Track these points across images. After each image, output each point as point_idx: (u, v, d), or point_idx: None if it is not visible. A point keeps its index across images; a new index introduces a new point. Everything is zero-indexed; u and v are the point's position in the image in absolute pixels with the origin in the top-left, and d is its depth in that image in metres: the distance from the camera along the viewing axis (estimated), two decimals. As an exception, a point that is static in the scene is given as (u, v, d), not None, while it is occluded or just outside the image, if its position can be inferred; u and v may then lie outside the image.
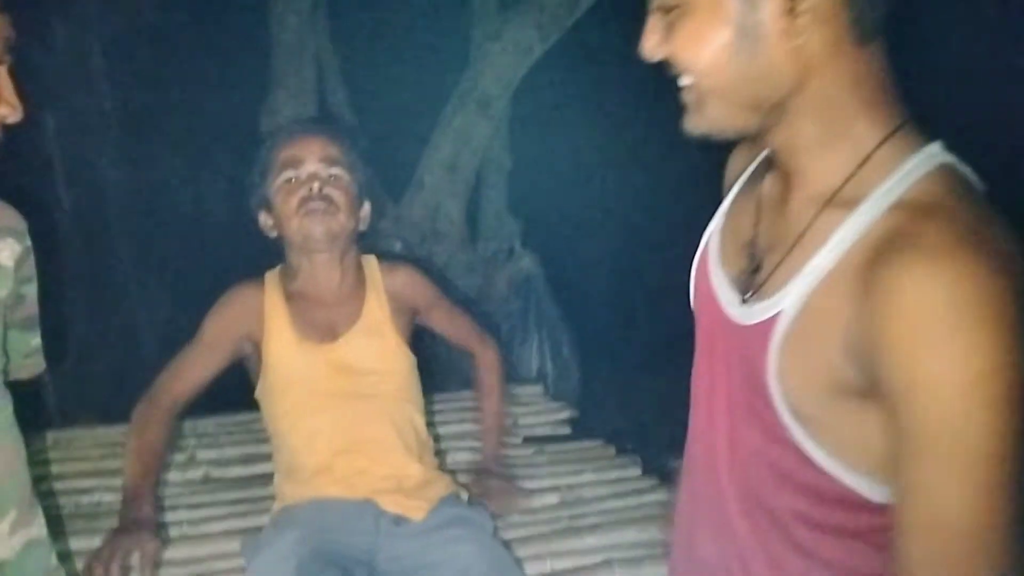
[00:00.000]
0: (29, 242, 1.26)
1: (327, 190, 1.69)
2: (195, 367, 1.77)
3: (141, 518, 1.62)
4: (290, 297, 1.77)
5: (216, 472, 2.28)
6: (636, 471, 2.37)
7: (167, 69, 4.01)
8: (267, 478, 1.98)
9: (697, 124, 0.85)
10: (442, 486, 1.81)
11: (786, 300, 0.81)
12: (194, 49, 4.00)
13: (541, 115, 4.32)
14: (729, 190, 1.00)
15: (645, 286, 4.66)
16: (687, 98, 0.85)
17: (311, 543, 1.59)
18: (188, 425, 2.39)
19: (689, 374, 0.98)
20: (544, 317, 3.89)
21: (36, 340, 1.35)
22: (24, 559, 1.16)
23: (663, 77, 0.86)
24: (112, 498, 1.96)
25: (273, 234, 1.78)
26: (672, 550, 1.06)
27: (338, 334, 1.76)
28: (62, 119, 3.70)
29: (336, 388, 1.73)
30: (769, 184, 0.91)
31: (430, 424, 1.97)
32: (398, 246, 3.79)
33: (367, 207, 1.81)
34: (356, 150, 1.80)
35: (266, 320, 1.74)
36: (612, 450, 2.54)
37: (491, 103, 3.73)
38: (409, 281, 1.86)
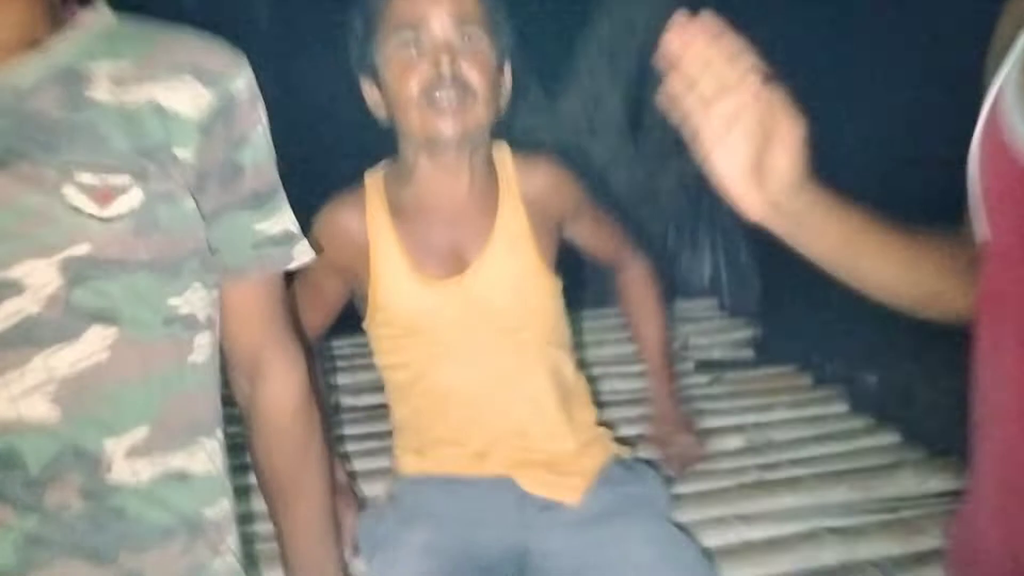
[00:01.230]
0: (237, 86, 0.92)
1: (462, 67, 1.24)
2: (310, 306, 1.39)
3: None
4: (400, 212, 1.35)
5: (348, 400, 2.07)
6: (842, 407, 1.96)
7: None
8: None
9: None
10: (600, 450, 1.43)
11: None
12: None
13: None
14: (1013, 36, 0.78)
15: (839, 174, 4.04)
16: None
17: (445, 545, 1.29)
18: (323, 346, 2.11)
19: None
20: (718, 218, 3.44)
21: (271, 224, 0.98)
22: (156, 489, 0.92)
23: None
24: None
25: (381, 114, 1.33)
26: (957, 542, 0.86)
27: (466, 260, 1.34)
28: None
29: (466, 333, 1.35)
30: None
31: (580, 348, 1.59)
32: (550, 142, 3.41)
33: (508, 75, 1.35)
34: (500, 8, 1.34)
35: (371, 248, 1.34)
36: (808, 378, 2.15)
37: None
38: (553, 181, 1.40)
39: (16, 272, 0.81)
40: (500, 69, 1.30)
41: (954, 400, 0.98)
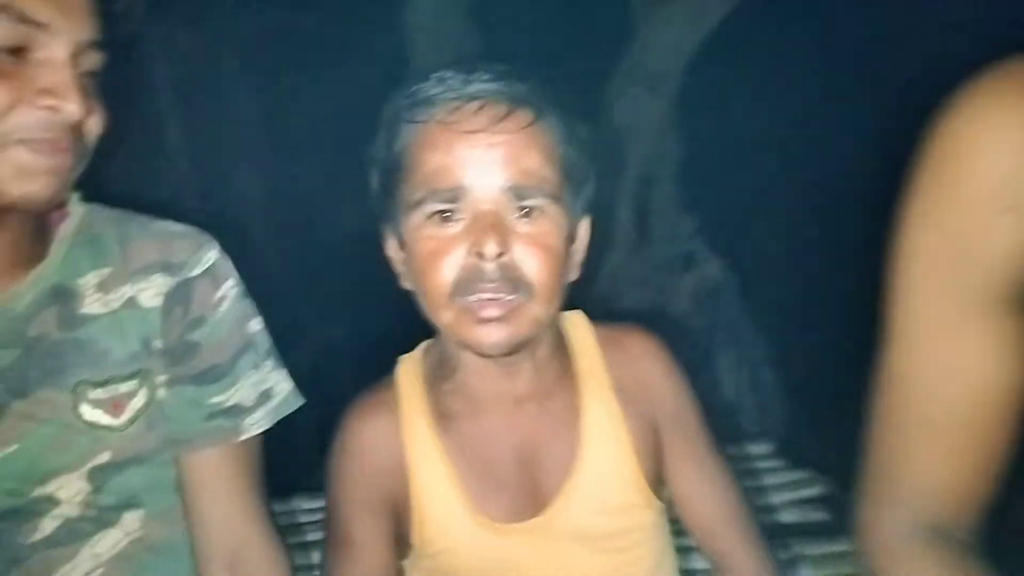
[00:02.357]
0: (196, 273, 1.04)
1: (514, 255, 0.89)
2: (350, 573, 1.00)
3: None
4: (448, 420, 1.00)
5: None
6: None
7: (299, 69, 3.45)
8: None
9: None
10: None
11: None
12: (325, 47, 3.46)
13: (719, 92, 3.42)
14: None
15: (862, 288, 3.30)
16: None
17: None
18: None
19: None
20: (737, 335, 3.36)
21: (225, 397, 1.04)
22: None
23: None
24: None
25: (408, 285, 0.98)
26: None
27: (544, 495, 0.98)
28: (193, 129, 3.33)
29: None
30: None
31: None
32: None
33: (584, 234, 1.00)
34: (570, 122, 0.94)
35: (411, 477, 0.99)
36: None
37: (661, 81, 3.26)
38: (654, 367, 1.04)
39: (50, 488, 0.96)
40: (572, 236, 0.96)
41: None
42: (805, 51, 3.13)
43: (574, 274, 1.00)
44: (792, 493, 2.15)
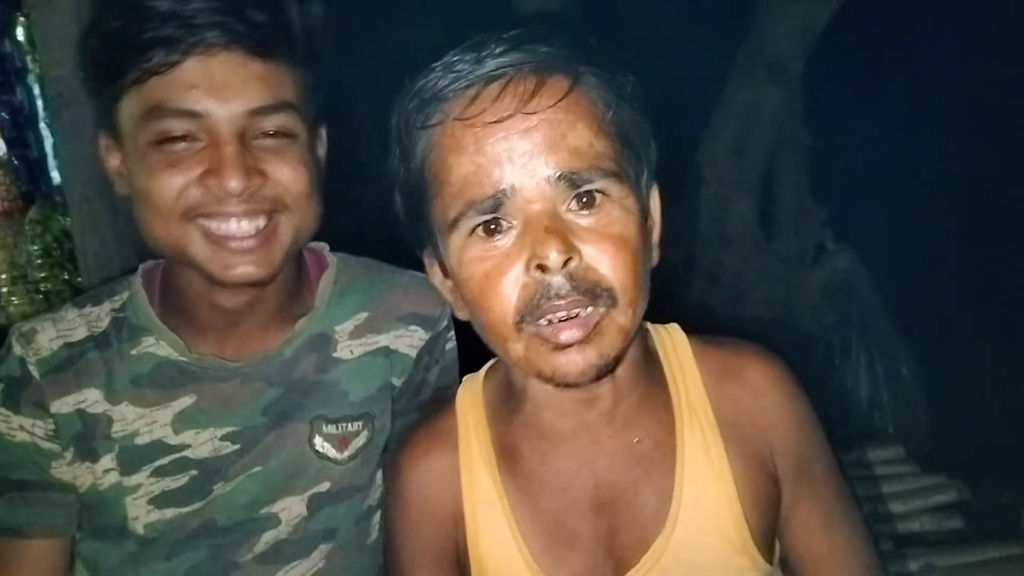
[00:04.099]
0: (443, 325, 1.17)
1: (585, 258, 0.76)
2: None
3: None
4: (513, 460, 0.89)
5: None
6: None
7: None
8: None
9: None
10: None
11: None
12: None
13: (846, 79, 3.34)
14: None
15: (998, 277, 3.19)
16: None
17: None
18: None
19: None
20: (871, 329, 3.15)
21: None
22: None
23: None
24: None
25: (463, 315, 0.88)
26: None
27: (626, 554, 0.85)
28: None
29: None
30: None
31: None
32: (678, 257, 3.13)
33: (656, 207, 0.86)
34: (613, 77, 0.80)
35: (468, 531, 0.89)
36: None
37: (784, 68, 3.08)
38: (771, 397, 0.87)
39: (276, 508, 1.08)
40: (645, 215, 0.82)
41: None
42: (941, 32, 2.99)
43: (655, 258, 0.83)
44: (925, 500, 2.08)
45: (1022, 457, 2.36)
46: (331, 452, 1.10)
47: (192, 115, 0.92)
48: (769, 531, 0.85)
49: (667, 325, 0.91)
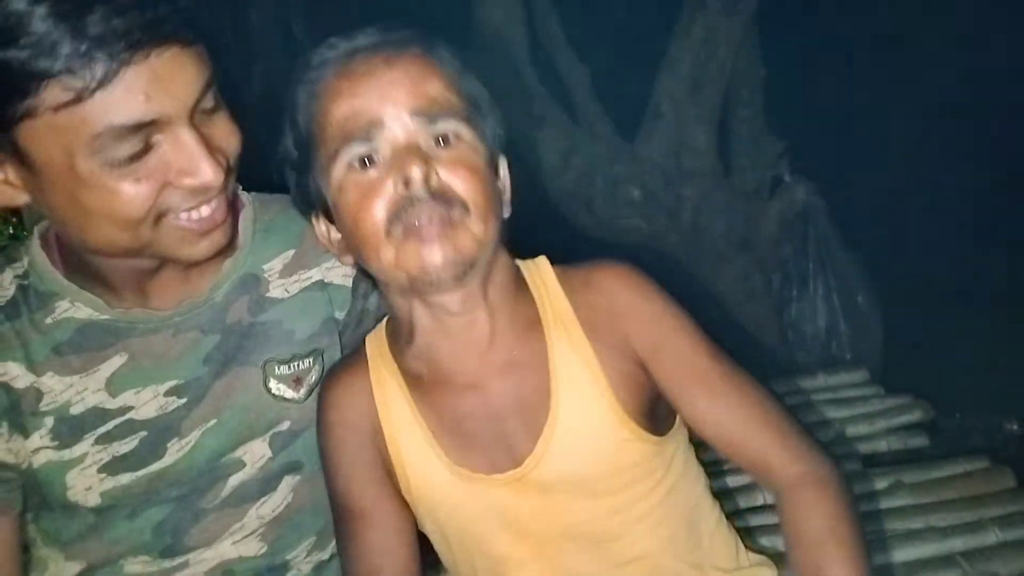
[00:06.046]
0: None
1: (441, 176, 0.89)
2: (363, 549, 1.00)
3: None
4: (416, 383, 1.00)
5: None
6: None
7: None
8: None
9: None
10: None
11: None
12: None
13: (801, 9, 3.27)
14: None
15: (958, 205, 3.22)
16: None
17: None
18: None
19: None
20: (830, 260, 3.19)
21: None
22: None
23: None
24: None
25: (348, 260, 1.01)
26: None
27: (521, 446, 0.96)
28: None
29: (543, 527, 0.98)
30: None
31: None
32: (636, 193, 3.29)
33: (505, 171, 0.99)
34: (463, 64, 0.95)
35: (387, 439, 1.00)
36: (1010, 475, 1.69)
37: None
38: (625, 297, 0.98)
39: (239, 452, 1.08)
40: (493, 166, 0.96)
41: None
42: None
43: (506, 211, 0.98)
44: (889, 420, 2.10)
45: (982, 376, 2.50)
46: (288, 393, 1.11)
47: (151, 124, 0.87)
48: (645, 407, 0.98)
49: (535, 259, 1.05)
